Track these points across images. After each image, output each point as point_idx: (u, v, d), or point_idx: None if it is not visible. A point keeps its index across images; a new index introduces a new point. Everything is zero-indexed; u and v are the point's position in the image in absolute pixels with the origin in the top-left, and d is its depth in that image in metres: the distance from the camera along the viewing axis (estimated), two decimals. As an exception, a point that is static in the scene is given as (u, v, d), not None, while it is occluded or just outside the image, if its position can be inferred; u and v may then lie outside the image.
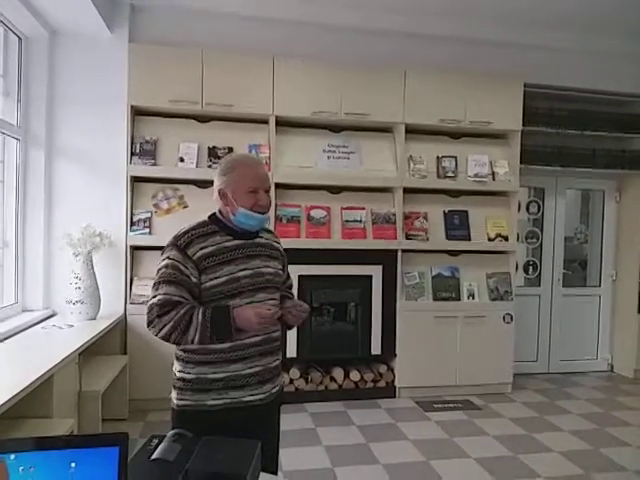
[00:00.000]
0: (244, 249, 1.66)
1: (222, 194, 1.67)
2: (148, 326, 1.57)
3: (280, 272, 1.78)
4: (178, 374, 1.66)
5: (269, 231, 1.85)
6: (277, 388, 1.76)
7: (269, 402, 1.71)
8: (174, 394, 1.67)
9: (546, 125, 4.58)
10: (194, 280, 1.58)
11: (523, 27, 4.35)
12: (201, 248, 1.60)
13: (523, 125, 4.35)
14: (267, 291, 1.68)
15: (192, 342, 1.56)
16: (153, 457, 1.18)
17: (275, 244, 1.80)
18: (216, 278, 1.59)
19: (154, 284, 1.60)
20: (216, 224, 1.68)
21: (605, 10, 4.08)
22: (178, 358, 1.67)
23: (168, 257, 1.60)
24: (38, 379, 2.22)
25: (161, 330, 1.54)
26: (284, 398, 1.85)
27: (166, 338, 1.55)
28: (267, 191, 1.70)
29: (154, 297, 1.57)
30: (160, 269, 1.60)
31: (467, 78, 4.25)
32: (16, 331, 3.11)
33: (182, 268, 1.57)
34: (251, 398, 1.65)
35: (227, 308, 1.57)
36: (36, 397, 2.30)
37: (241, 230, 1.68)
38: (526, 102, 4.34)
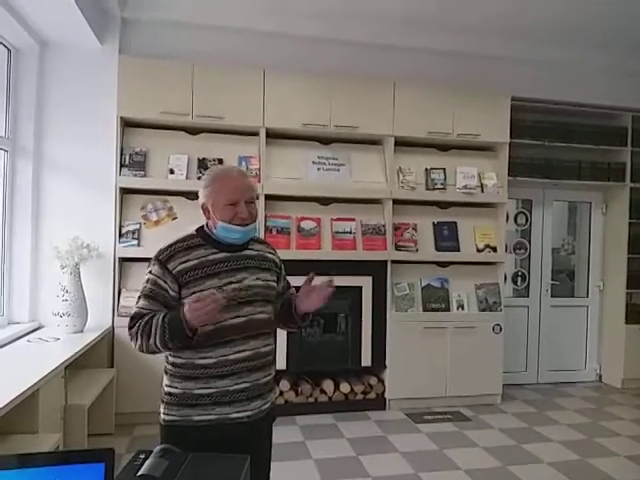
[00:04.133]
0: (230, 262, 1.64)
1: (204, 208, 1.67)
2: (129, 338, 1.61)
3: (272, 284, 1.73)
4: (166, 389, 1.65)
5: (262, 242, 1.81)
6: (268, 404, 1.70)
7: (258, 419, 1.66)
8: (162, 409, 1.65)
9: (533, 138, 4.64)
10: (173, 294, 1.58)
11: (510, 41, 4.43)
12: (182, 262, 1.59)
13: (510, 138, 4.40)
14: (255, 305, 1.65)
15: (157, 347, 1.54)
16: (140, 473, 1.16)
17: (269, 255, 1.77)
18: (198, 292, 1.56)
19: (137, 298, 1.63)
20: (202, 237, 1.66)
21: (589, 24, 4.17)
22: (166, 372, 1.66)
23: (150, 272, 1.61)
24: (23, 393, 2.18)
25: (133, 340, 1.58)
26: (275, 412, 1.80)
27: (141, 349, 1.57)
28: (251, 202, 1.65)
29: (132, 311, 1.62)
30: (143, 283, 1.63)
31: (455, 91, 4.31)
32: (1, 344, 3.06)
33: (160, 283, 1.58)
34: (238, 415, 1.61)
35: (180, 308, 1.51)
36: (21, 412, 2.26)
37: (227, 243, 1.65)
38: (513, 115, 4.41)
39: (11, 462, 0.95)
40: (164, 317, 1.53)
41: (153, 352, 1.58)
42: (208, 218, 1.67)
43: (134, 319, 1.58)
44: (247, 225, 1.64)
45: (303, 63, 4.16)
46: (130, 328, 1.58)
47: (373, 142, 4.29)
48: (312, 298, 1.70)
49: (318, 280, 1.72)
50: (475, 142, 4.38)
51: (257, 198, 1.79)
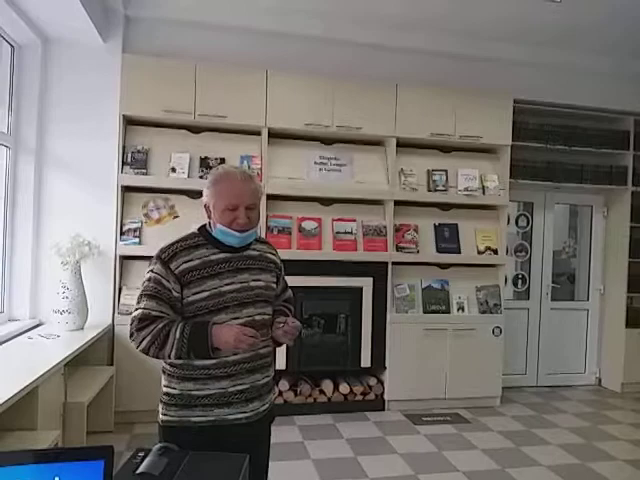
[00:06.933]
0: (231, 262, 1.63)
1: (206, 208, 1.66)
2: (130, 338, 1.57)
3: (272, 285, 1.73)
4: (164, 389, 1.64)
5: (264, 242, 1.80)
6: (266, 406, 1.70)
7: (256, 420, 1.65)
8: (160, 408, 1.65)
9: (535, 140, 4.63)
10: (176, 295, 1.56)
11: (513, 44, 4.43)
12: (185, 262, 1.58)
13: (513, 140, 4.40)
14: (256, 306, 1.64)
15: (170, 357, 1.54)
16: (139, 471, 1.16)
17: (270, 256, 1.75)
18: (199, 292, 1.56)
19: (138, 297, 1.60)
20: (204, 237, 1.65)
21: (592, 28, 4.17)
22: (164, 372, 1.65)
23: (152, 270, 1.59)
24: (22, 390, 2.18)
25: (140, 344, 1.54)
26: (274, 413, 1.80)
27: (145, 352, 1.55)
28: (252, 207, 1.62)
29: (135, 310, 1.57)
30: (144, 282, 1.60)
31: (458, 93, 4.30)
32: (1, 341, 3.06)
33: (164, 282, 1.56)
34: (237, 416, 1.61)
35: (205, 326, 1.53)
36: (20, 409, 2.26)
37: (229, 243, 1.65)
38: (516, 117, 4.41)
39: (12, 458, 0.94)
40: (183, 331, 1.51)
41: (157, 357, 1.57)
42: (209, 217, 1.66)
43: (143, 320, 1.54)
44: (245, 231, 1.62)
45: (306, 63, 4.16)
46: (139, 330, 1.53)
47: (375, 143, 4.29)
48: (280, 332, 1.66)
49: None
50: (477, 144, 4.38)
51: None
